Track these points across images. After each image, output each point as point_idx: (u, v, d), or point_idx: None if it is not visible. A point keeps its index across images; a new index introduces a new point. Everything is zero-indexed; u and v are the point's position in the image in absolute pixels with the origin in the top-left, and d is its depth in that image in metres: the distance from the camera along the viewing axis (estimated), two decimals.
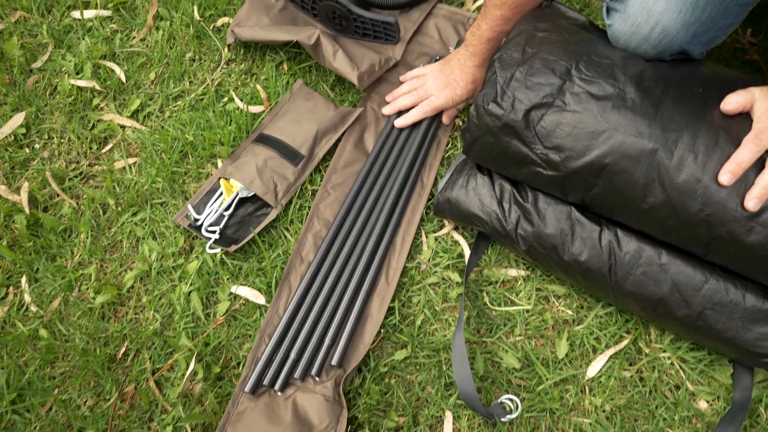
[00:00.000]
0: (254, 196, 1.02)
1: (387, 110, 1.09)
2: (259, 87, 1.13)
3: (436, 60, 1.15)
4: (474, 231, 1.00)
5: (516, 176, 0.89)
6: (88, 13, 1.26)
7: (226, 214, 1.01)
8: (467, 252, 0.98)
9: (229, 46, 1.19)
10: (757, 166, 0.74)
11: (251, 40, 1.13)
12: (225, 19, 1.23)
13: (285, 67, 1.17)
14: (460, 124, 1.11)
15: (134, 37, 1.23)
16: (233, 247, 0.96)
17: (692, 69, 0.87)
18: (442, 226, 1.02)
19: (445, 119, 1.09)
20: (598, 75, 0.82)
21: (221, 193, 1.02)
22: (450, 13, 1.21)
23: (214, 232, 1.00)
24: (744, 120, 0.77)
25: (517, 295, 0.96)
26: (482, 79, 1.02)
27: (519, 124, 0.83)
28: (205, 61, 1.19)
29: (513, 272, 0.97)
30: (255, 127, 1.09)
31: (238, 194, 1.01)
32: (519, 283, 0.97)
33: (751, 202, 0.73)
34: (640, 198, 0.80)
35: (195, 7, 1.24)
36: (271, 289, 0.96)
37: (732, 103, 0.77)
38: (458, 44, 1.15)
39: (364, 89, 1.10)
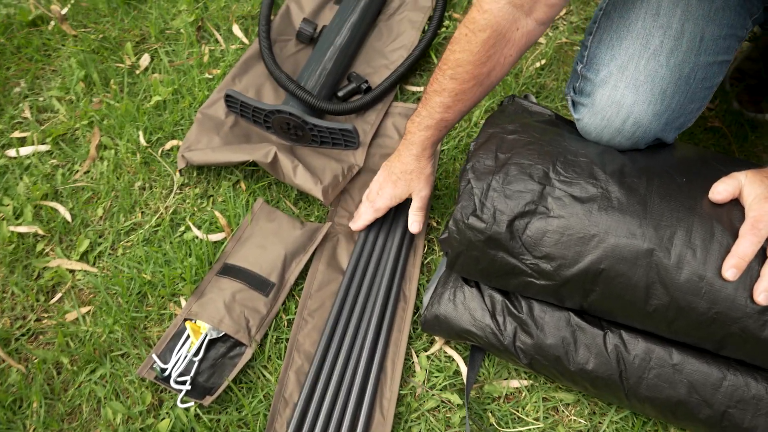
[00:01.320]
0: (225, 335, 0.93)
1: (354, 227, 1.03)
2: (217, 213, 1.06)
3: None
4: (467, 344, 0.93)
5: (506, 287, 0.84)
6: (25, 150, 1.18)
7: (196, 360, 0.92)
8: (463, 368, 0.91)
9: (180, 171, 1.12)
10: (760, 256, 0.70)
11: (204, 163, 1.07)
12: (174, 142, 1.16)
13: (243, 186, 1.11)
14: (435, 224, 1.06)
15: (77, 171, 1.16)
16: (208, 399, 0.87)
17: (668, 156, 0.84)
18: (432, 342, 0.95)
19: (411, 227, 0.99)
20: (578, 175, 0.79)
21: (188, 337, 0.93)
22: (406, 110, 1.18)
23: (184, 382, 0.90)
24: (734, 206, 0.74)
25: (523, 410, 0.88)
26: (422, 171, 0.96)
27: (503, 236, 0.78)
28: (156, 188, 1.12)
29: (515, 383, 0.91)
30: (217, 257, 1.02)
31: (206, 336, 0.93)
32: (523, 395, 0.90)
33: (762, 295, 0.69)
34: (642, 301, 0.75)
35: (140, 133, 1.17)
36: None
37: (721, 192, 0.74)
38: None
39: (329, 203, 1.04)
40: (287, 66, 1.23)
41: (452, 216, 0.81)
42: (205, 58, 1.28)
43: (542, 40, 1.30)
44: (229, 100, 1.13)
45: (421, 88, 1.22)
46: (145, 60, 1.29)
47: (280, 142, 1.14)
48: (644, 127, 0.82)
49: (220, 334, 0.93)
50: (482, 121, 1.17)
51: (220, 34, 1.33)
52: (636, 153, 0.84)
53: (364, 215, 1.01)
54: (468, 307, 0.87)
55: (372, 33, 1.29)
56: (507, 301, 0.85)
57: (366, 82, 1.19)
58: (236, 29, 1.32)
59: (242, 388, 0.91)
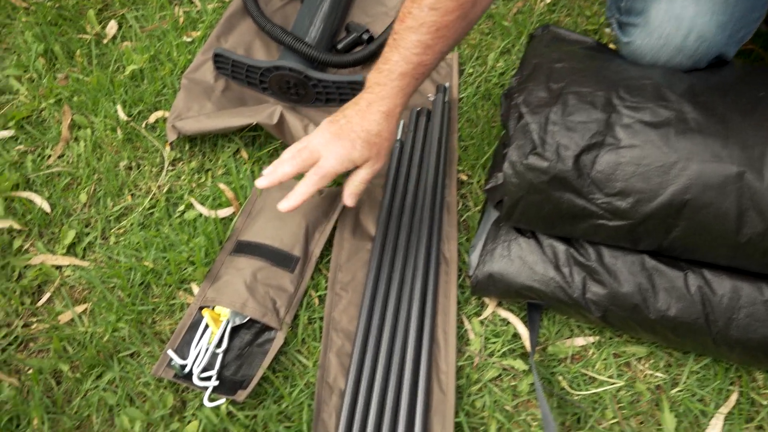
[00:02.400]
0: (249, 320, 0.82)
1: (261, 183, 0.76)
2: (222, 186, 0.94)
3: (417, 111, 1.00)
4: (523, 303, 0.84)
5: (572, 234, 0.74)
6: None
7: (220, 351, 0.80)
8: (523, 330, 0.82)
9: (171, 144, 0.99)
10: None
11: (199, 132, 0.94)
12: (158, 114, 1.03)
13: (244, 154, 0.99)
14: (465, 178, 0.96)
15: (49, 156, 1.01)
16: (242, 394, 0.76)
17: (735, 72, 0.76)
18: (482, 305, 0.85)
19: (347, 199, 0.79)
20: (645, 99, 0.70)
21: (207, 326, 0.82)
22: None
23: (209, 378, 0.78)
24: None
25: (594, 368, 0.80)
26: (390, 134, 0.76)
27: (570, 174, 0.69)
28: (144, 166, 0.99)
29: (580, 341, 0.82)
30: (228, 235, 0.90)
31: (228, 323, 0.81)
32: (591, 352, 0.81)
33: None
34: (733, 232, 0.66)
35: (118, 107, 1.04)
36: None
37: None
38: (438, 90, 1.01)
39: None
40: (276, 20, 1.11)
41: (506, 158, 0.72)
42: (181, 20, 1.14)
43: None
44: (219, 60, 1.00)
45: None
46: (112, 28, 1.15)
47: (278, 103, 1.02)
48: (708, 42, 0.73)
49: (245, 320, 0.81)
50: (498, 65, 1.07)
51: None
52: (701, 72, 0.75)
53: (305, 187, 0.75)
54: (526, 260, 0.77)
55: None
56: (572, 249, 0.76)
57: (367, 31, 1.07)
58: None
59: (278, 377, 0.80)
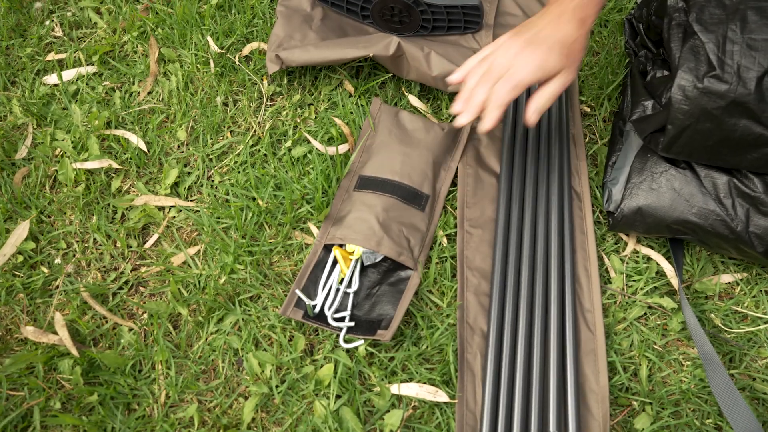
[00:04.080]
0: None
1: (462, 120, 0.71)
2: (337, 120, 0.88)
3: None
4: (660, 239, 0.79)
5: (738, 164, 0.69)
6: (68, 74, 0.97)
7: (351, 291, 0.76)
8: (666, 267, 0.78)
9: (270, 77, 0.93)
10: None
11: (307, 63, 0.88)
12: (253, 45, 0.97)
13: (349, 87, 0.93)
14: (588, 110, 0.90)
15: (138, 93, 0.95)
16: (386, 334, 0.72)
17: None
18: (617, 241, 0.81)
19: (531, 116, 0.71)
20: None
21: (333, 266, 0.78)
22: None
23: (342, 319, 0.75)
24: None
25: (744, 306, 0.76)
26: (586, 43, 0.71)
27: (751, 98, 0.63)
28: (242, 102, 0.93)
29: (727, 278, 0.78)
30: (346, 170, 0.85)
31: (358, 263, 0.77)
32: (739, 289, 0.77)
33: None
34: None
35: (209, 39, 0.97)
36: (447, 379, 0.72)
37: None
38: None
39: None
40: None
41: (674, 83, 0.66)
42: None
43: None
44: None
45: None
46: None
47: (378, 32, 0.96)
48: None
49: (378, 259, 0.77)
50: None
51: None
52: None
53: (498, 100, 0.68)
54: (682, 193, 0.72)
55: None
56: (735, 180, 0.71)
57: None
58: None
59: (413, 318, 0.76)
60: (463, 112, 0.71)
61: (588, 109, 0.90)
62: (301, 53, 0.87)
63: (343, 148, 0.86)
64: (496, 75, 0.69)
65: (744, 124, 0.64)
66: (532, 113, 0.71)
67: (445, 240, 0.81)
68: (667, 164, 0.74)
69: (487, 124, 0.70)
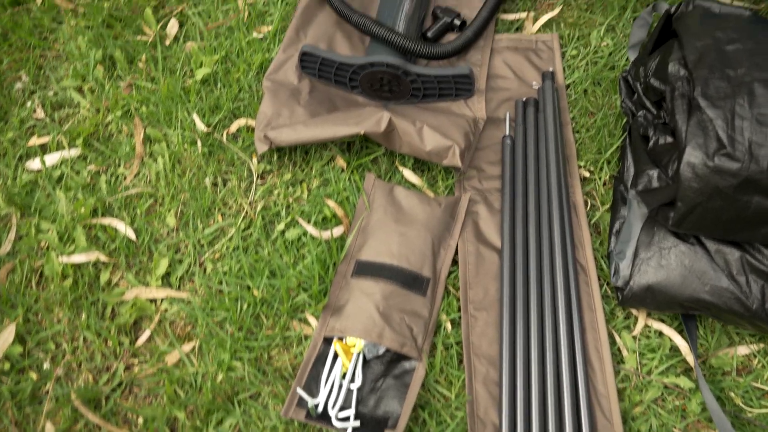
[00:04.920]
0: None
1: None
2: (331, 203, 0.85)
3: (523, 102, 0.91)
4: (675, 313, 0.77)
5: (752, 239, 0.66)
6: (51, 158, 0.94)
7: (354, 387, 0.73)
8: (680, 343, 0.75)
9: (260, 156, 0.90)
10: None
11: (297, 143, 0.85)
12: (240, 122, 0.94)
13: (341, 162, 0.90)
14: (586, 174, 0.87)
15: (124, 176, 0.93)
16: None
17: None
18: (627, 316, 0.78)
19: None
20: None
21: (334, 359, 0.74)
22: (514, 42, 0.98)
23: (347, 418, 0.71)
24: None
25: (765, 380, 0.73)
26: None
27: (765, 175, 0.60)
28: (231, 181, 0.90)
29: (744, 350, 0.75)
30: (343, 254, 0.82)
31: (360, 356, 0.74)
32: (757, 361, 0.74)
33: None
34: None
35: (195, 116, 0.95)
36: None
37: None
38: (544, 76, 0.92)
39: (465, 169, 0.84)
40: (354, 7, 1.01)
41: (683, 160, 0.63)
42: (247, 14, 1.04)
43: None
44: (306, 59, 0.91)
45: (519, 15, 1.02)
46: (172, 27, 1.05)
47: (368, 102, 0.94)
48: None
49: (380, 352, 0.74)
50: (604, 44, 0.98)
51: None
52: None
53: None
54: (693, 270, 0.70)
55: None
56: (747, 255, 0.68)
57: (458, 15, 0.98)
58: None
59: (421, 413, 0.73)
60: None
61: (587, 174, 0.87)
62: (290, 132, 0.85)
63: (337, 231, 0.84)
64: None
65: (757, 200, 0.62)
66: None
67: (449, 325, 0.77)
68: (675, 239, 0.71)
69: None
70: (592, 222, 0.84)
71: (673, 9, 0.78)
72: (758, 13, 0.75)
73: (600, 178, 0.87)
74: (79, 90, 1.01)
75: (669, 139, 0.71)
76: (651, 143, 0.73)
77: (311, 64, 0.91)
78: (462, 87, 0.90)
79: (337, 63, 0.89)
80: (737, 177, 0.61)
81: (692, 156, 0.62)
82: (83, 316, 0.82)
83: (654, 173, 0.71)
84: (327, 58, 0.89)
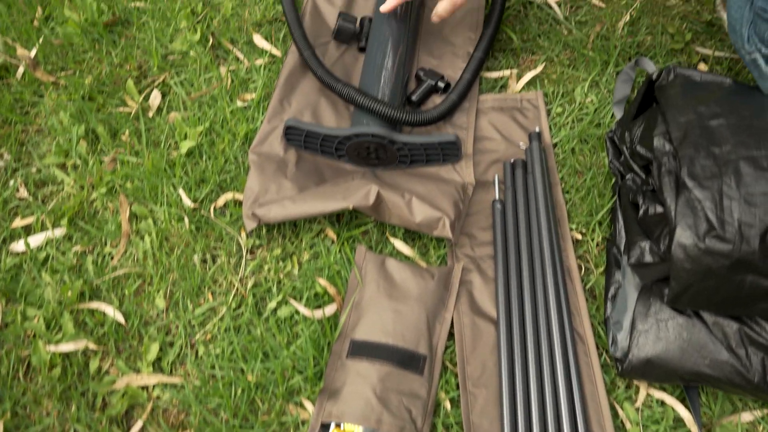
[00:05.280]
0: None
1: (386, 7, 0.92)
2: (322, 281, 0.84)
3: (511, 163, 0.91)
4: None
5: (749, 314, 0.66)
6: (36, 240, 0.93)
7: None
8: (683, 413, 0.74)
9: (250, 232, 0.89)
10: None
11: (285, 219, 0.84)
12: (227, 196, 0.93)
13: (331, 234, 0.89)
14: (578, 237, 0.87)
15: (111, 255, 0.91)
16: None
17: None
18: (629, 385, 0.77)
19: (433, 16, 0.93)
20: None
21: None
22: (499, 102, 0.98)
23: None
24: None
25: None
26: None
27: (756, 256, 0.60)
28: (221, 258, 0.89)
29: (748, 416, 0.74)
30: (337, 333, 0.80)
31: None
32: (762, 427, 0.73)
33: None
34: None
35: (181, 191, 0.93)
36: None
37: None
38: (531, 137, 0.92)
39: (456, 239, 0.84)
40: (337, 74, 1.01)
41: (674, 241, 0.63)
42: (230, 82, 1.04)
43: None
44: (291, 132, 0.90)
45: (502, 73, 1.02)
46: (155, 98, 1.04)
47: (355, 169, 0.93)
48: None
49: None
50: (589, 100, 0.98)
51: (239, 49, 1.08)
52: None
53: None
54: (692, 342, 0.69)
55: (423, 14, 1.07)
56: (745, 328, 0.67)
57: (442, 77, 0.98)
58: (258, 39, 1.08)
59: None
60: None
61: (579, 236, 0.87)
62: (278, 209, 0.84)
63: (330, 310, 0.82)
64: None
65: (751, 279, 0.61)
66: (434, 16, 0.93)
67: (448, 404, 0.76)
68: (672, 311, 0.71)
69: (384, 6, 0.91)
70: (588, 287, 0.83)
71: (654, 75, 0.78)
72: (737, 79, 0.75)
73: (593, 240, 0.87)
74: (63, 167, 1.00)
75: (659, 209, 0.71)
76: (641, 212, 0.73)
77: (296, 136, 0.90)
78: (449, 153, 0.89)
79: (322, 135, 0.88)
80: (729, 258, 0.60)
81: (683, 237, 0.62)
82: (73, 407, 0.80)
83: (646, 245, 0.70)
84: (311, 131, 0.88)
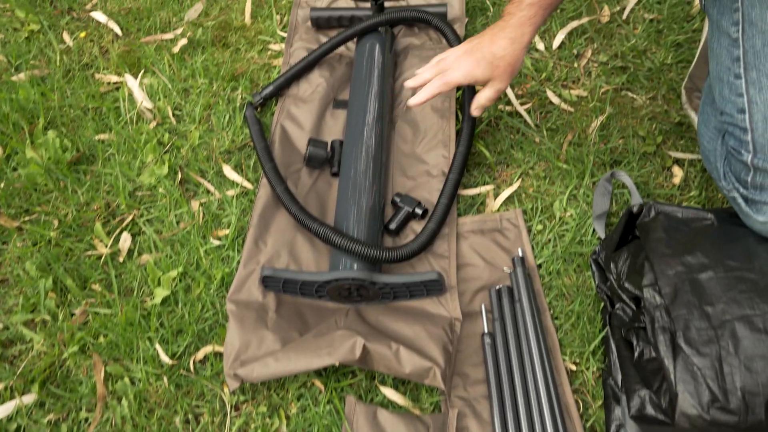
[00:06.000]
0: None
1: (415, 101, 0.90)
2: None
3: (497, 290, 0.89)
4: None
5: None
6: (5, 409, 0.88)
7: None
8: None
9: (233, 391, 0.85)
10: None
11: (270, 378, 0.81)
12: (207, 349, 0.89)
13: (319, 385, 0.85)
14: (573, 367, 0.85)
15: (88, 422, 0.86)
16: None
17: None
18: None
19: (473, 111, 0.93)
20: None
21: None
22: (479, 224, 0.96)
23: None
24: None
25: None
26: (514, 59, 0.85)
27: (764, 425, 0.58)
28: (204, 417, 0.85)
29: None
30: None
31: None
32: None
33: None
34: None
35: (158, 347, 0.89)
36: None
37: None
38: (514, 262, 0.90)
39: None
40: (311, 204, 0.99)
41: (678, 409, 0.61)
42: (202, 217, 1.01)
43: (583, 92, 1.11)
44: (269, 281, 0.87)
45: (479, 190, 1.01)
46: (125, 241, 1.00)
47: (338, 306, 0.90)
48: None
49: None
50: (568, 214, 0.97)
51: (209, 181, 1.06)
52: None
53: (430, 88, 0.88)
54: None
55: (393, 134, 1.06)
56: None
57: (419, 203, 0.96)
58: (228, 171, 1.05)
59: None
60: (412, 80, 0.91)
61: (573, 367, 0.85)
62: (261, 369, 0.81)
63: None
64: (441, 68, 0.88)
65: None
66: (474, 110, 0.93)
67: None
68: None
69: (415, 99, 0.89)
70: (588, 424, 0.81)
71: (635, 210, 0.77)
72: (719, 211, 0.74)
73: (587, 369, 0.84)
74: (31, 323, 0.95)
75: (653, 354, 0.69)
76: (636, 354, 0.71)
77: (274, 283, 0.88)
78: (433, 288, 0.87)
79: (301, 282, 0.86)
80: (736, 429, 0.59)
81: (686, 406, 0.60)
82: None
83: (646, 396, 0.68)
84: (289, 278, 0.86)
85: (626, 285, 0.75)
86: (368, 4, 1.19)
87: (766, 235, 0.69)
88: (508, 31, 0.83)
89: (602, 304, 0.87)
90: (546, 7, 0.82)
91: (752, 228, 0.70)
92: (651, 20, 1.20)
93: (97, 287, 0.96)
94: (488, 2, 1.25)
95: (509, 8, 0.84)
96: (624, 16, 1.21)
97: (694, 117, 1.03)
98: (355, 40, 1.14)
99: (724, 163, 0.73)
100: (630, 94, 1.10)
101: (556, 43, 1.18)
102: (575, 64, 1.15)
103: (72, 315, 0.95)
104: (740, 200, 0.71)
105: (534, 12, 0.81)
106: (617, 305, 0.79)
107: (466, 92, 1.02)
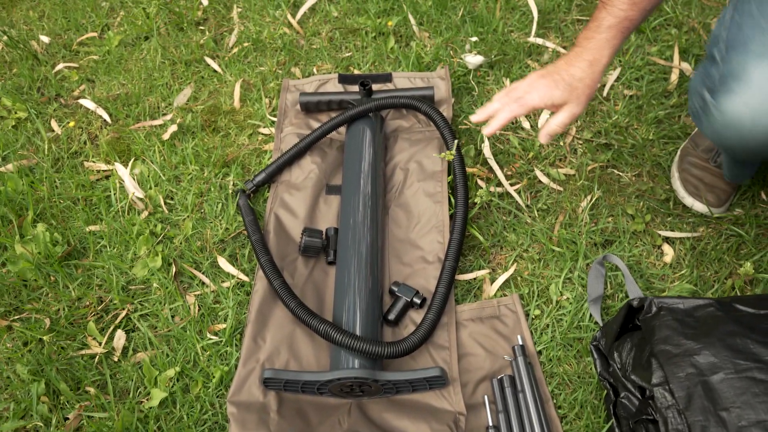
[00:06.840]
0: None
1: (475, 117, 0.90)
2: None
3: (500, 380, 0.89)
4: None
5: None
6: None
7: None
8: None
9: None
10: None
11: None
12: None
13: None
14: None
15: None
16: None
17: None
18: None
19: (543, 137, 0.88)
20: None
21: None
22: (477, 312, 0.96)
23: None
24: None
25: None
26: (592, 81, 0.84)
27: None
28: None
29: None
30: None
31: None
32: None
33: None
34: None
35: None
36: None
37: None
38: (515, 351, 0.91)
39: None
40: (308, 295, 0.98)
41: None
42: (197, 310, 1.00)
43: (570, 170, 1.14)
44: (270, 382, 0.86)
45: (475, 275, 1.02)
46: (119, 339, 0.99)
47: (340, 402, 0.89)
48: None
49: None
50: (564, 298, 0.98)
51: (203, 273, 1.05)
52: None
53: (504, 113, 0.87)
54: None
55: (387, 220, 1.07)
56: None
57: (417, 293, 0.96)
58: (223, 263, 1.05)
59: None
60: (479, 112, 0.89)
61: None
62: None
63: None
64: (513, 96, 0.86)
65: None
66: (544, 136, 0.88)
67: None
68: None
69: (489, 127, 0.87)
70: None
71: (635, 304, 0.78)
72: (720, 300, 0.75)
73: None
74: (22, 431, 0.92)
75: None
76: None
77: (276, 383, 0.86)
78: (435, 382, 0.87)
79: (302, 382, 0.85)
80: None
81: None
82: None
83: None
84: (290, 379, 0.85)
85: (632, 377, 0.75)
86: (356, 88, 1.22)
87: (730, 127, 0.75)
88: (586, 54, 0.83)
89: (605, 392, 0.87)
90: (624, 31, 0.82)
91: (715, 127, 0.78)
92: (630, 96, 1.24)
93: (91, 389, 0.94)
94: (473, 82, 1.28)
95: (586, 33, 0.84)
96: (604, 93, 1.25)
97: (678, 188, 1.06)
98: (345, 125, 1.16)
99: (700, 78, 0.82)
100: (616, 171, 1.13)
101: (541, 121, 1.21)
102: (561, 142, 1.18)
103: (66, 419, 0.92)
104: (702, 104, 0.79)
105: (613, 35, 0.82)
106: (622, 394, 0.80)
107: (457, 175, 1.03)
